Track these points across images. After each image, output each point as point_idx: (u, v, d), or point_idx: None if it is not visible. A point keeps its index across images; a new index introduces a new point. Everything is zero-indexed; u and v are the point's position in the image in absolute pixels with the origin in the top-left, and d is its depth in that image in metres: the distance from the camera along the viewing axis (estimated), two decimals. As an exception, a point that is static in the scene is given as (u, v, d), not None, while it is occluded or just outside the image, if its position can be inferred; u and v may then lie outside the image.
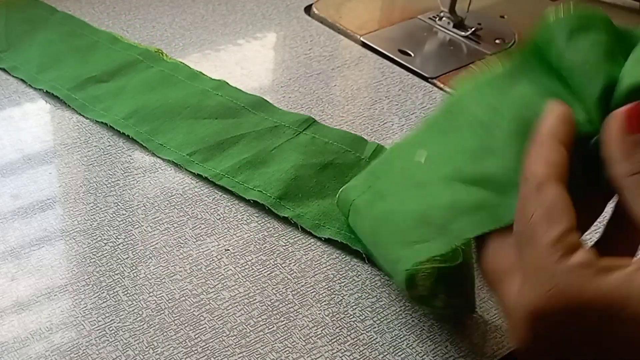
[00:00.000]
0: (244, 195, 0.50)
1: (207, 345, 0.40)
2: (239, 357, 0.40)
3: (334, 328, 0.42)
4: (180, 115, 0.56)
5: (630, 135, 0.33)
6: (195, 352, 0.40)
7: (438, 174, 0.40)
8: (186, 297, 0.43)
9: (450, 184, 0.39)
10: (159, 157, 0.53)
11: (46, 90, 0.59)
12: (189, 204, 0.49)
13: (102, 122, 0.56)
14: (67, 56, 0.63)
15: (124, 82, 0.60)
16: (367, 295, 0.44)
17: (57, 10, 0.69)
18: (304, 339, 0.41)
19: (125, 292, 0.43)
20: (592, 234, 0.39)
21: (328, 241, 0.47)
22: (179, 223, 0.48)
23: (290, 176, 0.50)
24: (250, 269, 0.45)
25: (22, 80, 0.60)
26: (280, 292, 0.44)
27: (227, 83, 0.60)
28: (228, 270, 0.45)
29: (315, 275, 0.45)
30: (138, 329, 0.41)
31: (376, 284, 0.45)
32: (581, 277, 0.31)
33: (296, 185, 0.50)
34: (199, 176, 0.52)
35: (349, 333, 0.42)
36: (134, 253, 0.46)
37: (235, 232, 0.48)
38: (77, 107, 0.57)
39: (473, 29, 0.71)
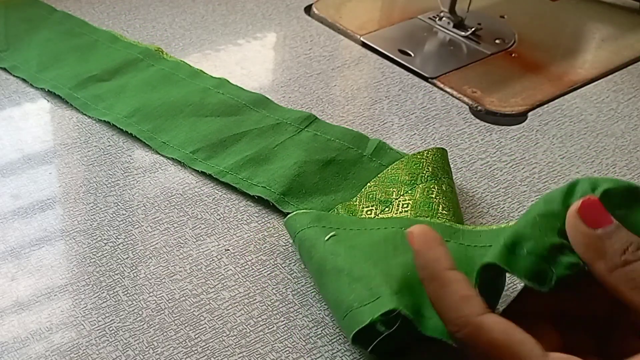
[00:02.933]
0: (248, 191, 0.50)
1: (207, 345, 0.40)
2: (239, 357, 0.40)
3: (334, 328, 0.42)
4: (182, 113, 0.56)
5: (593, 231, 0.33)
6: (195, 352, 0.40)
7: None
8: (186, 297, 0.43)
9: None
10: (159, 156, 0.53)
11: (47, 90, 0.59)
12: (189, 204, 0.49)
13: (102, 122, 0.56)
14: (67, 55, 0.63)
15: (125, 80, 0.60)
16: (367, 295, 0.44)
17: (55, 10, 0.69)
18: (304, 339, 0.41)
19: (125, 292, 0.43)
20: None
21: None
22: (179, 223, 0.48)
23: (294, 172, 0.50)
24: (250, 269, 0.45)
25: (22, 79, 0.60)
26: (280, 292, 0.44)
27: (228, 81, 0.60)
28: (228, 270, 0.45)
29: (315, 275, 0.45)
30: (138, 329, 0.41)
31: (376, 284, 0.45)
32: None
33: (300, 181, 0.50)
34: (199, 176, 0.52)
35: (349, 333, 0.42)
36: (134, 253, 0.46)
37: (235, 232, 0.48)
38: (79, 105, 0.57)
39: (473, 29, 0.71)
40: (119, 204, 0.49)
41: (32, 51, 0.63)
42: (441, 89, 0.64)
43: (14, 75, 0.61)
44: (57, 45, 0.64)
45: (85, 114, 0.57)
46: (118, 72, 0.61)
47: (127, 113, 0.56)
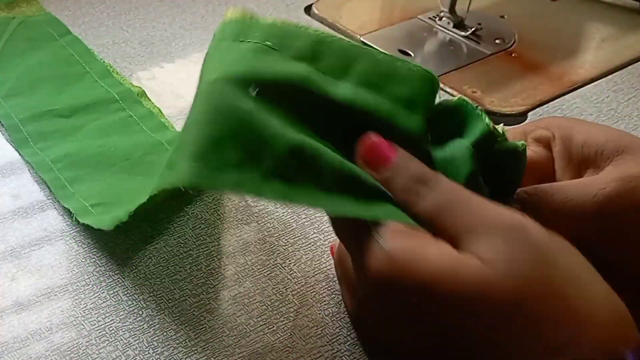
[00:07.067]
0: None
1: (207, 345, 0.40)
2: (239, 357, 0.40)
3: (334, 328, 0.42)
4: (114, 167, 0.51)
5: (379, 176, 0.34)
6: (195, 352, 0.40)
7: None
8: (186, 297, 0.43)
9: None
10: None
11: None
12: (189, 204, 0.49)
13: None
14: (46, 84, 0.59)
15: (84, 122, 0.55)
16: (367, 295, 0.44)
17: (69, 33, 0.65)
18: (304, 339, 0.41)
19: (125, 292, 0.43)
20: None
21: (327, 241, 0.47)
22: (179, 223, 0.48)
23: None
24: (250, 269, 0.45)
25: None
26: (280, 292, 0.44)
27: None
28: (228, 271, 0.45)
29: (315, 275, 0.45)
30: (138, 329, 0.41)
31: (376, 284, 0.45)
32: None
33: None
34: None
35: (349, 333, 0.42)
36: (134, 253, 0.46)
37: (235, 232, 0.48)
38: (17, 141, 0.53)
39: (473, 29, 0.71)
40: (119, 204, 0.49)
41: (13, 73, 0.60)
42: (441, 89, 0.64)
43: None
44: (44, 71, 0.60)
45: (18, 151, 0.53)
46: (83, 110, 0.56)
47: (56, 157, 0.51)
